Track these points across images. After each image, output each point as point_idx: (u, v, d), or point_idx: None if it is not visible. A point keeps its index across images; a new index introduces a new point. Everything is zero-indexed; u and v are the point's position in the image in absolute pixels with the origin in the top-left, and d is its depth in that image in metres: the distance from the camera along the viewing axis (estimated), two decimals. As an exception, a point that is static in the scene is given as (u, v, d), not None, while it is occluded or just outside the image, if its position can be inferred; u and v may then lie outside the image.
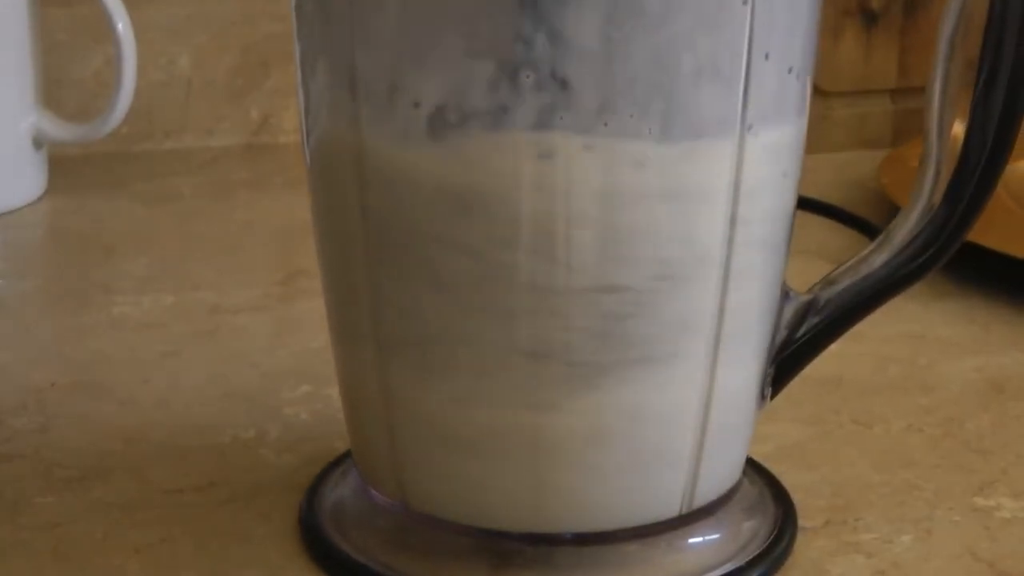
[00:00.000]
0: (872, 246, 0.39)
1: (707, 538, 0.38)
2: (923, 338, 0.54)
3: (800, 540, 0.40)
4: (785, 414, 0.47)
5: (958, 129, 0.37)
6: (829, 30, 0.78)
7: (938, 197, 0.38)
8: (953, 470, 0.44)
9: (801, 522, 0.41)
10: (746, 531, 0.39)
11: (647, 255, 0.34)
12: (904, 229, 0.39)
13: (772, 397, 0.40)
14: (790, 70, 0.35)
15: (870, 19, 0.79)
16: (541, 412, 0.36)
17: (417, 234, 0.35)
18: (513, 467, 0.36)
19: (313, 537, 0.40)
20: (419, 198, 0.34)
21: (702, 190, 0.35)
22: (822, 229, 0.66)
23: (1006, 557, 0.40)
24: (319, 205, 0.38)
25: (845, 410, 0.48)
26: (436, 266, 0.35)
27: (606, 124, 0.33)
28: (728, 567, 0.38)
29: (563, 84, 0.33)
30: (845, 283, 0.39)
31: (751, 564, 0.38)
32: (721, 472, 0.39)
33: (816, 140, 0.78)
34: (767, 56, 0.34)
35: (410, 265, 0.35)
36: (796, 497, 0.42)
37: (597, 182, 0.34)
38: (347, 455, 0.42)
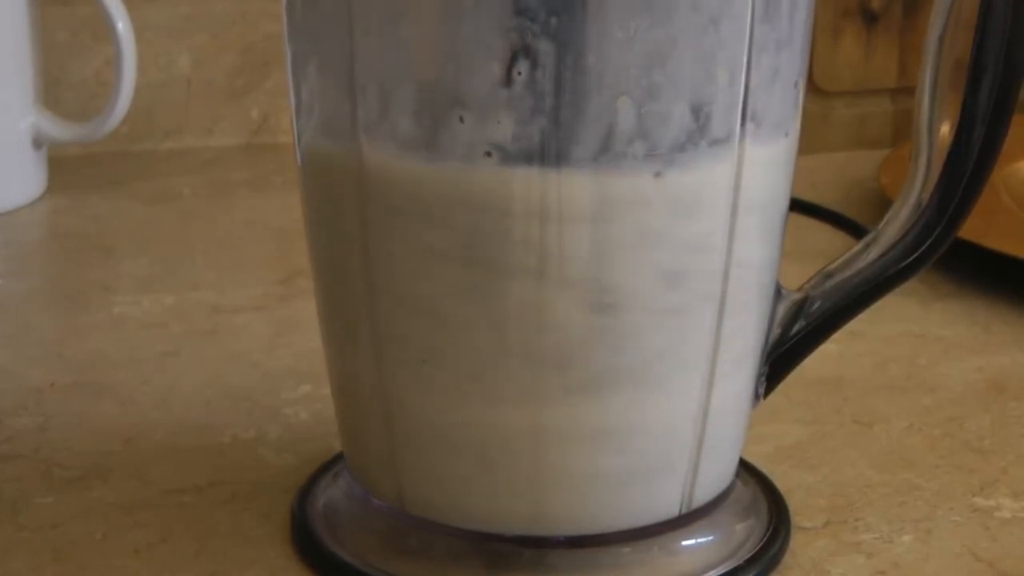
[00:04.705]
0: (863, 243, 0.39)
1: (701, 540, 0.38)
2: (923, 338, 0.54)
3: (800, 540, 0.40)
4: (785, 414, 0.47)
5: (948, 127, 0.37)
6: (829, 30, 0.78)
7: (927, 195, 0.38)
8: (953, 470, 0.44)
9: (801, 522, 0.41)
10: (740, 532, 0.39)
11: (645, 263, 0.34)
12: (894, 226, 0.39)
13: (766, 396, 0.40)
14: (788, 77, 0.35)
15: (870, 19, 0.79)
16: (540, 416, 0.36)
17: (417, 237, 0.35)
18: (512, 470, 0.36)
19: (306, 541, 0.40)
20: (419, 202, 0.34)
21: (702, 198, 0.35)
22: (819, 232, 0.66)
23: (1006, 557, 0.40)
24: (314, 206, 0.38)
25: (845, 410, 0.48)
26: (435, 270, 0.35)
27: (605, 134, 0.33)
28: (723, 568, 0.38)
29: (563, 93, 0.33)
30: (837, 280, 0.39)
31: (746, 565, 0.38)
32: (718, 472, 0.39)
33: (816, 140, 0.78)
34: (765, 65, 0.34)
35: (410, 268, 0.35)
36: (796, 497, 0.42)
37: (594, 192, 0.34)
38: (338, 458, 0.42)
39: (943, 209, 0.38)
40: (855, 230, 0.65)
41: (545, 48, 0.33)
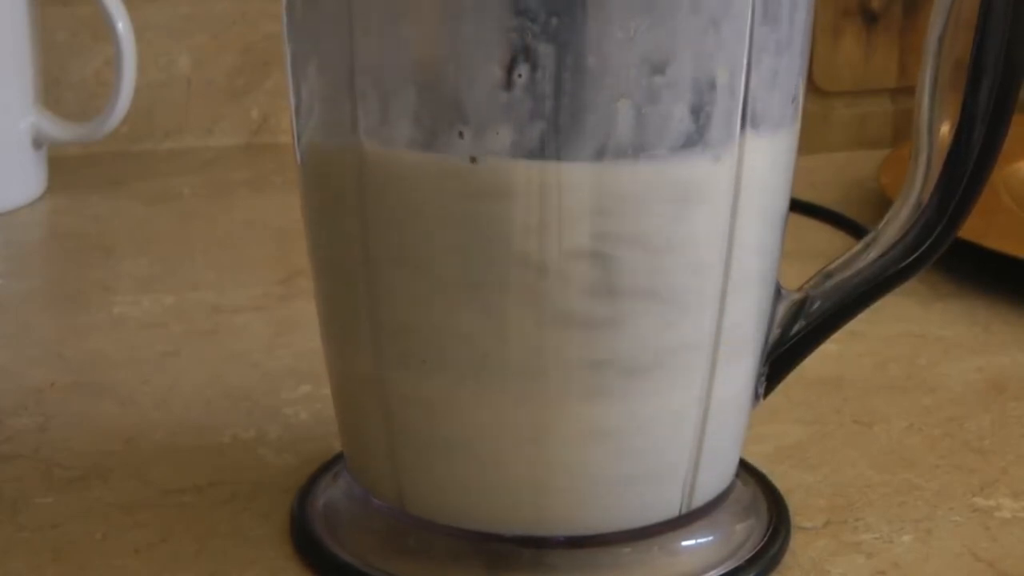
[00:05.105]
0: (863, 243, 0.39)
1: (701, 540, 0.38)
2: (923, 338, 0.54)
3: (800, 540, 0.40)
4: (785, 414, 0.47)
5: (948, 127, 0.37)
6: (829, 30, 0.78)
7: (927, 195, 0.38)
8: (953, 470, 0.44)
9: (801, 522, 0.41)
10: (740, 532, 0.39)
11: (645, 264, 0.34)
12: (894, 226, 0.39)
13: (765, 396, 0.40)
14: (788, 78, 0.35)
15: (870, 19, 0.79)
16: (540, 416, 0.36)
17: (417, 237, 0.35)
18: (512, 470, 0.36)
19: (306, 541, 0.39)
20: (419, 202, 0.34)
21: (702, 199, 0.35)
22: (819, 232, 0.66)
23: (1006, 557, 0.40)
24: (314, 207, 0.37)
25: (845, 410, 0.48)
26: (436, 271, 0.35)
27: (605, 136, 0.33)
28: (723, 568, 0.38)
29: (563, 95, 0.33)
30: (837, 280, 0.39)
31: (746, 565, 0.38)
32: (718, 472, 0.39)
33: (816, 140, 0.78)
34: (765, 66, 0.34)
35: (410, 269, 0.35)
36: (796, 497, 0.42)
37: (594, 194, 0.34)
38: (338, 458, 0.42)
39: (943, 209, 0.38)
40: (855, 230, 0.65)
41: (545, 50, 0.32)
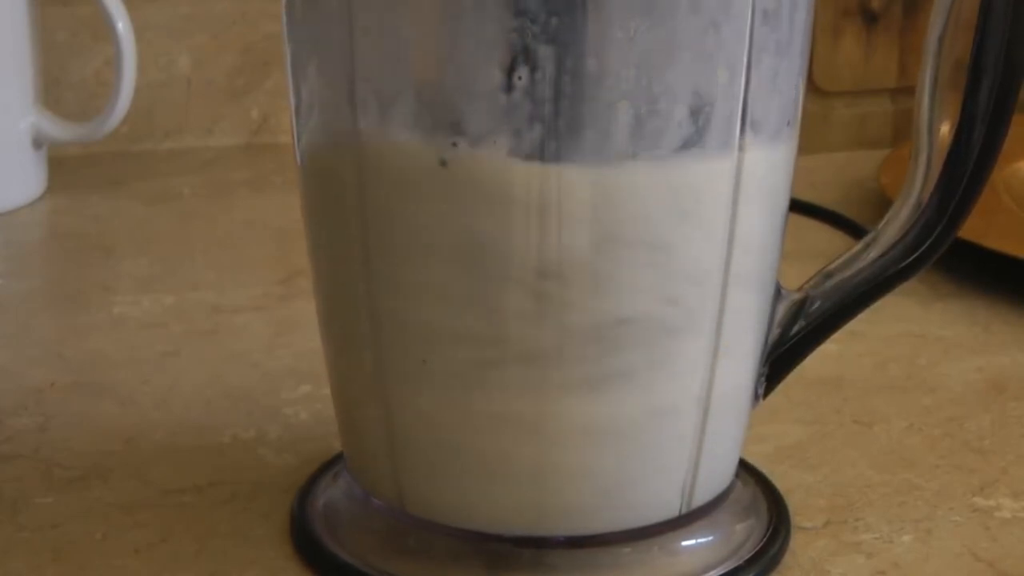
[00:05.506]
0: (863, 243, 0.39)
1: (701, 540, 0.38)
2: (923, 338, 0.54)
3: (800, 540, 0.40)
4: (785, 414, 0.47)
5: (948, 127, 0.37)
6: (829, 30, 0.78)
7: (927, 195, 0.38)
8: (953, 470, 0.44)
9: (801, 522, 0.41)
10: (740, 532, 0.39)
11: (645, 264, 0.34)
12: (894, 226, 0.39)
13: (765, 396, 0.40)
14: (788, 78, 0.35)
15: (870, 19, 0.79)
16: (540, 416, 0.36)
17: (417, 238, 0.35)
18: (512, 470, 0.36)
19: (306, 541, 0.39)
20: (419, 204, 0.34)
21: (701, 199, 0.35)
22: (819, 232, 0.66)
23: (1006, 557, 0.40)
24: (314, 207, 0.37)
25: (845, 410, 0.48)
26: (435, 271, 0.35)
27: (604, 138, 0.33)
28: (723, 568, 0.38)
29: (563, 97, 0.33)
30: (837, 280, 0.39)
31: (746, 565, 0.38)
32: (718, 472, 0.39)
33: (816, 140, 0.78)
34: (765, 66, 0.34)
35: (410, 269, 0.35)
36: (796, 497, 0.42)
37: (593, 196, 0.34)
38: (338, 458, 0.42)
39: (943, 209, 0.38)
40: (855, 230, 0.65)
41: (544, 51, 0.32)
